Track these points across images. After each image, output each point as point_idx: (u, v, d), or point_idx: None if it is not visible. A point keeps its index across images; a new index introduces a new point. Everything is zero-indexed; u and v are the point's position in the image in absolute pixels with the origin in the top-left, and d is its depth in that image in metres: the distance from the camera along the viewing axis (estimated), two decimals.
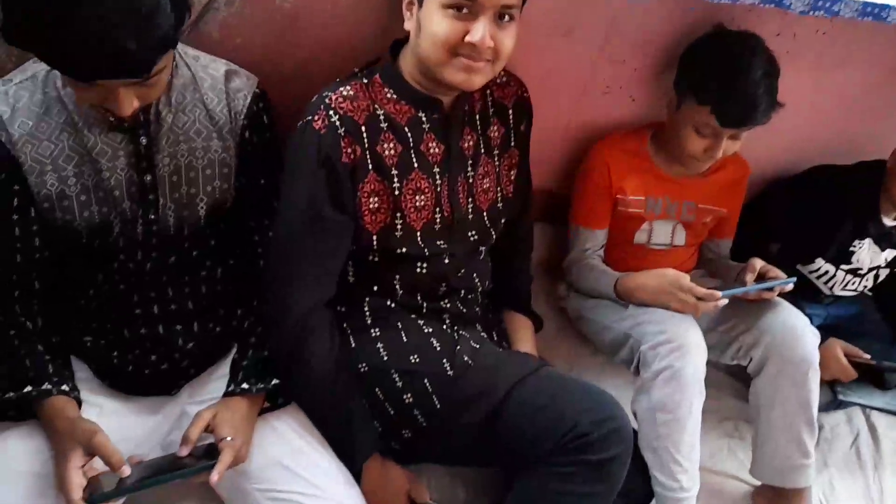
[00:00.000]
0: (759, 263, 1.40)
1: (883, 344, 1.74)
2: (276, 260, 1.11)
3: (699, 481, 1.29)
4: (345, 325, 1.18)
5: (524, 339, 1.35)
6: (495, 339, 1.31)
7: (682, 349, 1.24)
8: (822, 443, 1.64)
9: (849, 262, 1.64)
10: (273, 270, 1.12)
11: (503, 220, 1.29)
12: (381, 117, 1.11)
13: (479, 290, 1.29)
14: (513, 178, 1.29)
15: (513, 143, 1.27)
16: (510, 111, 1.25)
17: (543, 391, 1.10)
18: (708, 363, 1.30)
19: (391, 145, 1.12)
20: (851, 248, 1.62)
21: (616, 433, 1.05)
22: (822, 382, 1.45)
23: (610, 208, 1.50)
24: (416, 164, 1.14)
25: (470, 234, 1.23)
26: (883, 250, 1.64)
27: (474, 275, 1.27)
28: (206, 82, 1.05)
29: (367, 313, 1.19)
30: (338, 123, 1.06)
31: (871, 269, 1.66)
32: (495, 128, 1.24)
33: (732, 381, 1.71)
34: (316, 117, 1.06)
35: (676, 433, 1.25)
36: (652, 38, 1.40)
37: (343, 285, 1.18)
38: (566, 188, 1.60)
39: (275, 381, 1.07)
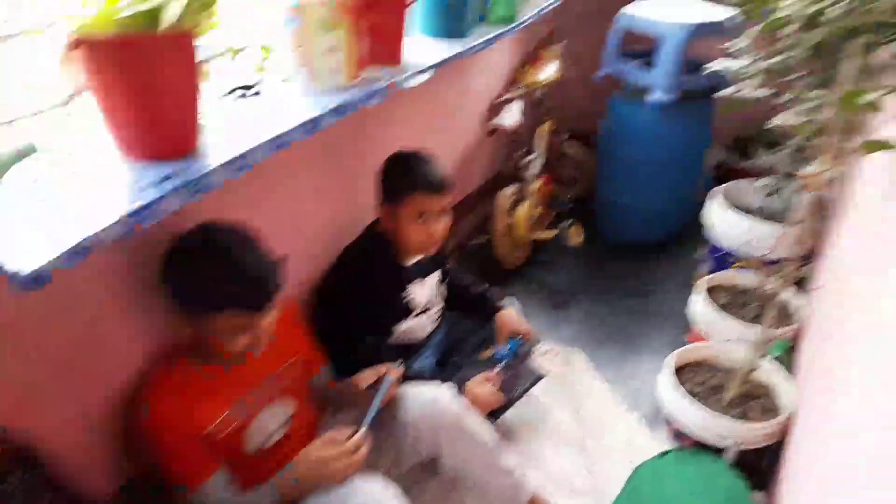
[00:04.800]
0: (367, 376, 1.42)
1: (482, 329, 1.97)
2: None
3: None
4: None
5: None
6: None
7: None
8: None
9: (415, 310, 1.78)
10: None
11: None
12: None
13: None
14: None
15: None
16: None
17: None
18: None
19: None
20: (408, 299, 1.75)
21: None
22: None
23: (205, 448, 1.26)
24: None
25: None
26: (426, 278, 1.82)
27: None
28: None
29: None
30: None
31: (433, 297, 1.84)
32: None
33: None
34: None
35: None
36: None
37: None
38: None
39: None
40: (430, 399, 1.43)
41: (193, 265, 1.17)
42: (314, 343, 1.57)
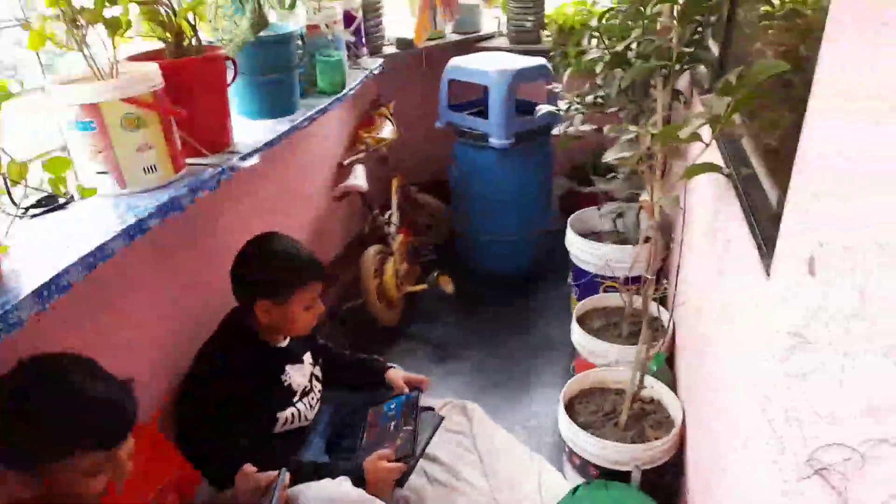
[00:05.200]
0: (250, 483, 1.31)
1: (369, 400, 1.88)
2: None
3: None
4: None
5: None
6: None
7: None
8: None
9: (296, 393, 1.66)
10: None
11: None
12: None
13: None
14: None
15: None
16: None
17: None
18: None
19: None
20: (287, 384, 1.63)
21: None
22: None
23: None
24: None
25: None
26: (302, 357, 1.72)
27: None
28: None
29: None
30: None
31: (310, 378, 1.73)
32: None
33: None
34: None
35: None
36: None
37: None
38: None
39: None
40: (328, 494, 1.34)
41: (25, 410, 0.99)
42: (184, 460, 1.40)
